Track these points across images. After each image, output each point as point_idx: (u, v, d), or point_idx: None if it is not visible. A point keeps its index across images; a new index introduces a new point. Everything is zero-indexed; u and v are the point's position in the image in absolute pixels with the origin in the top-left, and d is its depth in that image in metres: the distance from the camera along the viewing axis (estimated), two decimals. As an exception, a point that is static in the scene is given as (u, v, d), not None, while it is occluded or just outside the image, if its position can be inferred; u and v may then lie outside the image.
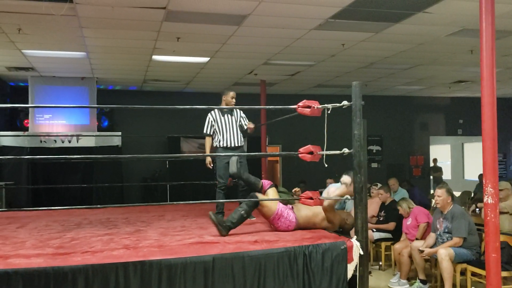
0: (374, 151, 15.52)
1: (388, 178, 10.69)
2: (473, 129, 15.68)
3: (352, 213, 4.89)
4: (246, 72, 11.26)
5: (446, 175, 18.90)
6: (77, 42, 8.39)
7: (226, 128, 6.24)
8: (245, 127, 6.51)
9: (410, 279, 6.99)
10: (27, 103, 11.51)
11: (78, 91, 11.85)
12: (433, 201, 7.26)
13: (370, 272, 6.67)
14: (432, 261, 6.72)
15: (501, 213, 6.15)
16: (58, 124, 11.92)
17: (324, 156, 4.61)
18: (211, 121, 6.32)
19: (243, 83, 12.40)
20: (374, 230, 7.89)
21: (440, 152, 20.17)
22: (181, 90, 13.69)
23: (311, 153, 4.55)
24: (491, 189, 4.61)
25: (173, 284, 3.88)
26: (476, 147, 16.86)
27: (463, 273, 6.10)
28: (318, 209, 5.27)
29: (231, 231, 4.97)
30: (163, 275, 3.86)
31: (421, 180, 15.89)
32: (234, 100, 6.42)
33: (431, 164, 16.36)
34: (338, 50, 9.16)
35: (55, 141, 11.46)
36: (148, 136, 13.14)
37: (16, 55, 9.27)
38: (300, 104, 4.71)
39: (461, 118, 16.40)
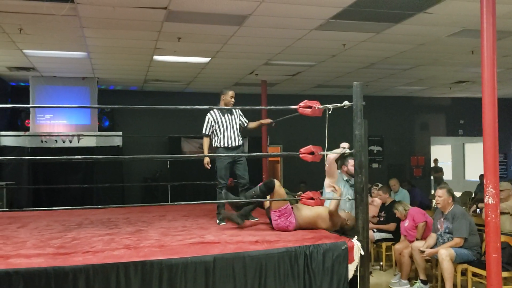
0: (375, 151, 15.51)
1: (389, 178, 10.70)
2: (473, 130, 15.68)
3: (353, 213, 4.90)
4: (247, 72, 11.26)
5: (447, 175, 18.90)
6: (78, 42, 8.40)
7: (226, 128, 6.21)
8: (245, 125, 6.50)
9: (411, 279, 7.00)
10: (28, 103, 11.51)
11: (79, 91, 11.85)
12: (434, 201, 7.26)
13: (371, 272, 6.68)
14: (433, 261, 6.72)
15: (502, 213, 6.16)
16: (59, 124, 11.92)
17: (325, 157, 4.61)
18: (211, 121, 6.25)
19: (244, 84, 12.40)
20: (375, 230, 7.90)
21: (441, 153, 20.16)
22: (182, 90, 13.69)
23: (312, 153, 4.56)
24: (491, 190, 4.60)
25: (174, 284, 3.88)
26: (477, 147, 16.88)
27: (463, 273, 6.10)
28: (319, 210, 5.28)
29: (233, 231, 5.01)
30: (164, 275, 3.86)
31: (422, 180, 15.88)
32: (233, 99, 6.38)
33: (432, 165, 16.35)
34: (339, 51, 9.16)
35: (56, 141, 11.47)
36: (149, 136, 13.13)
37: (17, 55, 9.28)
38: (301, 104, 4.71)
39: (462, 119, 16.39)
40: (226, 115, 6.26)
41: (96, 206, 8.09)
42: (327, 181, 5.69)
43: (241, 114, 6.50)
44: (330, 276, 4.33)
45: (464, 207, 7.74)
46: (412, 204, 8.88)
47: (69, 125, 11.99)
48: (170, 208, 7.58)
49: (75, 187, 11.21)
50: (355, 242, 4.45)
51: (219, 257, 4.08)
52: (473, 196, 11.85)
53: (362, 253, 4.41)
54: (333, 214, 5.21)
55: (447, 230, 6.24)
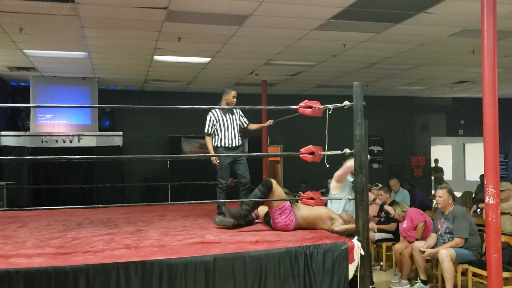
0: (376, 151, 15.51)
1: (389, 178, 10.70)
2: (474, 130, 15.67)
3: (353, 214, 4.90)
4: (247, 72, 11.26)
5: (447, 175, 18.88)
6: (78, 42, 8.40)
7: (227, 128, 6.18)
8: (245, 125, 6.49)
9: (411, 279, 7.00)
10: (29, 103, 11.52)
11: (80, 91, 11.86)
12: (434, 201, 7.26)
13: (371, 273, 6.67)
14: (433, 261, 6.72)
15: (503, 213, 6.15)
16: (60, 124, 11.93)
17: (326, 157, 4.61)
18: (213, 120, 6.19)
19: (244, 84, 12.40)
20: (376, 230, 7.89)
21: (441, 153, 20.14)
22: (182, 90, 13.70)
23: (312, 153, 4.55)
24: (492, 190, 4.60)
25: (174, 284, 3.88)
26: (477, 147, 16.84)
27: (464, 273, 6.10)
28: (319, 211, 5.27)
29: (233, 231, 5.01)
30: (164, 275, 3.85)
31: (422, 180, 15.88)
32: (235, 99, 6.35)
33: (432, 165, 16.34)
34: (339, 51, 9.16)
35: (57, 141, 11.48)
36: (149, 136, 13.15)
37: (18, 55, 9.28)
38: (301, 104, 4.71)
39: (462, 119, 16.39)
40: (227, 115, 6.23)
41: (96, 206, 8.08)
42: (333, 184, 5.72)
43: (242, 114, 6.47)
44: (330, 276, 4.33)
45: (464, 207, 7.74)
46: (412, 204, 8.89)
47: (70, 125, 11.99)
48: (170, 208, 7.58)
49: (75, 187, 11.22)
50: (355, 242, 4.44)
51: (219, 257, 4.07)
52: (473, 196, 11.85)
53: (362, 253, 4.41)
54: (335, 233, 5.23)
55: (447, 230, 6.24)
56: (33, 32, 7.74)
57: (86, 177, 11.82)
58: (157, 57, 9.57)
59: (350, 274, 4.41)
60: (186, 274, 3.91)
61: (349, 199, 4.97)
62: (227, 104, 6.29)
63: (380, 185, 8.71)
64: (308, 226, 5.30)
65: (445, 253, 5.91)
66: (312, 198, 4.79)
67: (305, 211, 5.29)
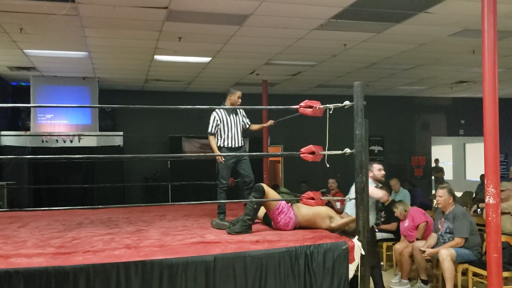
0: (376, 151, 15.50)
1: (389, 178, 10.68)
2: (474, 130, 15.66)
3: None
4: (247, 72, 11.26)
5: (448, 175, 18.89)
6: (78, 42, 8.40)
7: (231, 128, 6.16)
8: (247, 126, 6.48)
9: (412, 279, 7.00)
10: (29, 103, 11.52)
11: (80, 91, 11.86)
12: (435, 201, 7.25)
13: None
14: (434, 261, 6.72)
15: (503, 213, 6.15)
16: (60, 124, 11.93)
17: (326, 156, 4.61)
18: (217, 120, 6.16)
19: (244, 83, 12.40)
20: (376, 230, 7.88)
21: (442, 153, 20.15)
22: (183, 90, 13.69)
23: (312, 153, 4.55)
24: (492, 190, 4.60)
25: (174, 284, 3.88)
26: (478, 147, 16.84)
27: (464, 273, 6.10)
28: (319, 209, 5.28)
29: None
30: (164, 274, 3.86)
31: (423, 180, 15.88)
32: (240, 100, 6.32)
33: (433, 165, 16.35)
34: (339, 50, 9.16)
35: (57, 141, 11.48)
36: (150, 136, 13.15)
37: (18, 54, 9.28)
38: (302, 104, 4.71)
39: (463, 119, 16.37)
40: (231, 115, 6.21)
41: (96, 206, 8.08)
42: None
43: (245, 115, 6.46)
44: (331, 276, 4.33)
45: (464, 207, 7.74)
46: (413, 204, 8.88)
47: (70, 125, 11.99)
48: (170, 208, 7.58)
49: (75, 187, 11.22)
50: (356, 242, 4.44)
51: (220, 256, 4.08)
52: (474, 196, 11.85)
53: (363, 253, 4.41)
54: (333, 230, 5.23)
55: (447, 230, 6.24)
56: (34, 32, 7.74)
57: (87, 177, 11.82)
58: (158, 57, 9.57)
59: (351, 274, 4.42)
60: (186, 274, 3.91)
61: (350, 199, 4.97)
62: (232, 104, 6.27)
63: (380, 185, 8.70)
64: (308, 224, 5.31)
65: (446, 253, 5.91)
66: (313, 198, 4.79)
67: (304, 209, 5.31)
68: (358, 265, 4.42)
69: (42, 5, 6.30)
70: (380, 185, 6.12)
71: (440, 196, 6.38)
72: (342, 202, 8.36)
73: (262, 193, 5.27)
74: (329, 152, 4.59)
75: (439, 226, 6.39)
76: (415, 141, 16.18)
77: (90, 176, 11.85)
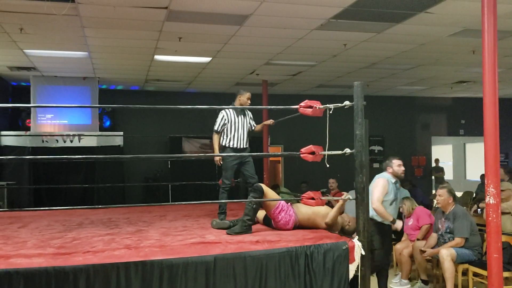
0: (376, 151, 15.50)
1: (389, 178, 10.66)
2: (475, 130, 15.65)
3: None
4: (247, 72, 11.26)
5: (448, 175, 18.87)
6: (79, 42, 8.40)
7: (237, 129, 6.14)
8: (253, 128, 6.46)
9: (412, 279, 6.99)
10: (29, 103, 11.52)
11: (80, 91, 11.86)
12: (435, 201, 7.24)
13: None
14: (434, 261, 6.72)
15: (503, 213, 6.15)
16: (60, 124, 11.93)
17: (326, 156, 4.60)
18: (225, 119, 6.13)
19: (244, 83, 12.39)
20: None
21: (442, 153, 20.14)
22: (183, 90, 13.69)
23: (313, 153, 4.55)
24: (493, 190, 4.60)
25: (174, 284, 3.88)
26: (478, 147, 16.83)
27: (464, 273, 6.09)
28: (319, 208, 5.28)
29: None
30: (164, 275, 3.86)
31: (423, 180, 15.87)
32: (249, 101, 6.29)
33: (433, 165, 16.34)
34: (339, 50, 9.16)
35: (57, 141, 11.48)
36: (150, 136, 13.14)
37: (18, 54, 9.28)
38: (302, 104, 4.71)
39: (463, 119, 16.37)
40: (240, 116, 6.20)
41: (96, 206, 8.08)
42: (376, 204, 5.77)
43: (252, 117, 6.44)
44: (331, 276, 4.33)
45: (465, 207, 7.73)
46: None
47: (70, 125, 11.99)
48: (170, 208, 7.58)
49: (75, 187, 11.22)
50: (356, 242, 4.44)
51: (220, 257, 4.08)
52: (474, 196, 11.84)
53: (363, 253, 4.41)
54: (330, 225, 5.22)
55: (448, 230, 6.24)
56: (34, 32, 7.74)
57: (87, 177, 11.82)
58: (158, 57, 9.57)
59: (351, 274, 4.41)
60: (186, 274, 3.91)
61: (350, 199, 4.96)
62: (241, 105, 6.25)
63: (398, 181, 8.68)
64: (308, 223, 5.31)
65: (446, 253, 5.91)
66: (313, 198, 4.79)
67: (304, 208, 5.31)
68: (358, 265, 4.42)
69: (42, 5, 6.29)
70: (397, 180, 6.03)
71: (440, 195, 6.39)
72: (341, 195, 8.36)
73: (261, 193, 5.27)
74: (329, 152, 4.59)
75: (439, 226, 6.39)
76: (415, 141, 16.17)
77: (90, 176, 11.85)
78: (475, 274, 6.01)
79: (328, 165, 4.64)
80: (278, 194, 7.68)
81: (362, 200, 4.46)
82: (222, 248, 4.27)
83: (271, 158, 14.70)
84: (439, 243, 6.32)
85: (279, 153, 15.23)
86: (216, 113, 6.27)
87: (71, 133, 11.64)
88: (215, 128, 6.18)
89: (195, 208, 7.54)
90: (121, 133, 12.30)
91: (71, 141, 11.53)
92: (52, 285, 3.60)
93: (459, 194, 11.30)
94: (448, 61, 10.28)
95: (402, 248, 6.94)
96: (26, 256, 3.96)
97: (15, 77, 11.70)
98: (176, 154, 12.94)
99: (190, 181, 10.67)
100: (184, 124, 13.48)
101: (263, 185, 5.40)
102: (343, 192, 5.70)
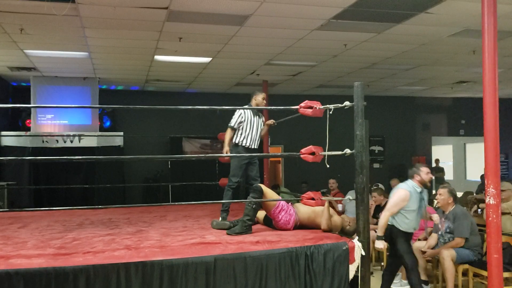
0: (376, 151, 15.50)
1: (390, 178, 10.68)
2: (475, 130, 15.66)
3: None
4: (248, 73, 11.26)
5: (448, 175, 18.85)
6: (79, 42, 8.40)
7: (252, 129, 6.15)
8: (261, 131, 6.45)
9: (412, 279, 6.97)
10: (29, 103, 11.53)
11: (80, 91, 11.87)
12: (435, 201, 7.23)
13: (372, 273, 6.67)
14: (434, 261, 6.71)
15: (503, 213, 6.15)
16: (60, 124, 11.93)
17: (326, 157, 4.60)
18: (242, 117, 6.12)
19: (245, 84, 12.40)
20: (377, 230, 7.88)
21: (442, 153, 20.12)
22: (183, 90, 13.70)
23: (313, 153, 4.55)
24: (493, 190, 4.60)
25: (174, 284, 3.88)
26: (478, 147, 16.82)
27: (465, 273, 6.09)
28: (319, 208, 5.28)
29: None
30: (164, 275, 3.85)
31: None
32: (265, 101, 6.31)
33: (433, 165, 16.33)
34: (340, 51, 9.16)
35: (57, 141, 11.47)
36: (150, 136, 13.14)
37: (18, 55, 9.28)
38: (302, 104, 4.71)
39: (463, 119, 16.38)
40: (256, 117, 6.23)
41: (97, 206, 8.08)
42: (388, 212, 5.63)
43: (264, 121, 6.47)
44: (331, 277, 4.32)
45: (465, 207, 7.73)
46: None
47: (70, 125, 11.99)
48: (171, 208, 7.57)
49: (76, 187, 11.22)
50: (356, 243, 4.44)
51: (220, 257, 4.07)
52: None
53: (363, 253, 4.40)
54: (327, 230, 5.20)
55: (448, 230, 6.23)
56: (34, 32, 7.75)
57: (87, 177, 11.82)
58: (158, 57, 9.57)
59: (351, 274, 4.41)
60: (186, 274, 3.91)
61: (350, 199, 4.96)
62: (257, 105, 6.27)
63: (380, 185, 8.68)
64: (308, 222, 5.32)
65: (446, 253, 5.90)
66: (313, 198, 4.79)
67: (303, 207, 5.32)
68: (358, 266, 4.42)
69: (42, 5, 6.30)
70: (422, 189, 5.75)
71: (441, 194, 6.39)
72: (340, 202, 8.36)
73: (261, 193, 5.27)
74: (329, 153, 4.59)
75: (440, 226, 6.39)
76: (415, 141, 16.17)
77: (90, 177, 11.85)
78: (475, 275, 6.01)
79: (328, 166, 4.64)
80: (278, 194, 7.66)
81: (362, 201, 4.46)
82: (222, 249, 4.27)
83: (271, 159, 14.71)
84: (439, 243, 6.31)
85: (279, 154, 15.23)
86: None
87: (71, 133, 11.63)
88: (232, 124, 6.14)
89: (195, 209, 7.53)
90: (121, 133, 12.29)
91: (71, 141, 11.52)
92: (52, 286, 3.60)
93: (459, 194, 11.30)
94: (448, 61, 10.28)
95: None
96: (26, 257, 3.96)
97: (15, 77, 11.70)
98: (176, 154, 12.94)
99: (191, 181, 10.68)
100: (184, 124, 13.49)
101: (262, 186, 5.40)
102: (339, 200, 5.64)
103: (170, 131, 13.29)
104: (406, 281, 6.78)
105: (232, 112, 6.26)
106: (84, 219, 6.49)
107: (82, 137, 11.59)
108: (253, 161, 6.18)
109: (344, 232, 5.35)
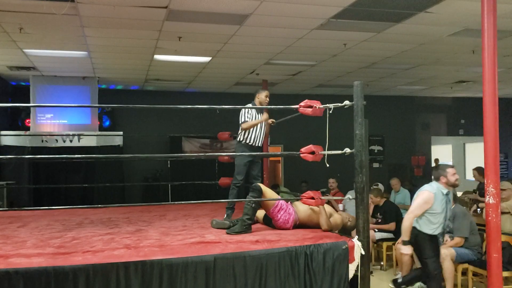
0: (376, 151, 15.50)
1: (389, 178, 10.70)
2: (474, 129, 15.65)
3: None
4: (247, 72, 11.25)
5: (448, 175, 18.80)
6: (78, 41, 8.39)
7: (257, 127, 6.15)
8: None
9: (412, 279, 6.97)
10: (29, 103, 11.52)
11: (80, 90, 11.85)
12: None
13: (371, 272, 6.67)
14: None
15: (503, 213, 6.15)
16: (60, 123, 11.92)
17: (326, 156, 4.60)
18: (250, 113, 6.12)
19: (244, 83, 12.40)
20: (376, 230, 7.89)
21: (442, 152, 20.11)
22: (183, 90, 13.69)
23: (312, 153, 4.55)
24: (492, 189, 4.60)
25: (174, 284, 3.88)
26: (478, 147, 16.81)
27: (464, 273, 6.10)
28: (318, 208, 5.28)
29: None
30: (164, 275, 3.86)
31: (423, 180, 15.77)
32: (268, 99, 6.28)
33: (433, 164, 16.33)
34: (339, 50, 9.15)
35: (57, 140, 11.46)
36: (150, 136, 13.14)
37: (18, 54, 9.28)
38: (302, 104, 4.71)
39: (463, 118, 16.38)
40: (259, 115, 6.22)
41: (96, 206, 8.08)
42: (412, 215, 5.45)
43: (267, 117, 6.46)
44: (331, 276, 4.33)
45: (464, 207, 7.73)
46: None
47: (70, 125, 11.98)
48: (170, 208, 7.57)
49: (75, 187, 11.21)
50: (356, 242, 4.44)
51: (220, 256, 4.07)
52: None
53: (363, 252, 4.41)
54: (328, 230, 5.19)
55: (447, 229, 6.23)
56: (33, 32, 7.74)
57: (87, 177, 11.82)
58: (158, 57, 9.57)
59: (351, 273, 4.41)
60: (186, 274, 3.91)
61: (350, 198, 4.96)
62: (260, 103, 6.24)
63: (380, 185, 8.68)
64: (307, 220, 5.32)
65: (445, 253, 5.90)
66: (313, 198, 4.79)
67: (302, 206, 5.32)
68: (358, 265, 4.42)
69: (41, 4, 6.29)
70: (449, 192, 5.53)
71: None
72: (340, 202, 8.36)
73: (260, 192, 5.27)
74: (329, 152, 4.59)
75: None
76: (415, 140, 16.18)
77: (90, 176, 11.84)
78: (475, 274, 6.02)
79: (328, 165, 4.64)
80: (278, 193, 7.67)
81: (362, 200, 4.46)
82: (222, 248, 4.27)
83: (271, 158, 14.70)
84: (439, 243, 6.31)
85: (279, 153, 15.23)
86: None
87: (71, 132, 11.62)
88: (244, 119, 6.08)
89: (195, 208, 7.53)
90: (121, 132, 12.28)
91: (71, 141, 11.51)
92: (52, 285, 3.60)
93: (459, 194, 11.30)
94: (448, 61, 10.28)
95: (402, 248, 6.92)
96: (26, 256, 3.95)
97: (14, 77, 11.69)
98: (176, 153, 12.94)
99: (190, 180, 10.67)
100: (184, 123, 13.48)
101: (261, 185, 5.41)
102: (339, 200, 5.63)
103: (169, 130, 13.29)
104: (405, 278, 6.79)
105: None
106: (83, 218, 6.49)
107: (81, 136, 11.59)
108: (256, 159, 6.19)
109: (346, 229, 5.36)
